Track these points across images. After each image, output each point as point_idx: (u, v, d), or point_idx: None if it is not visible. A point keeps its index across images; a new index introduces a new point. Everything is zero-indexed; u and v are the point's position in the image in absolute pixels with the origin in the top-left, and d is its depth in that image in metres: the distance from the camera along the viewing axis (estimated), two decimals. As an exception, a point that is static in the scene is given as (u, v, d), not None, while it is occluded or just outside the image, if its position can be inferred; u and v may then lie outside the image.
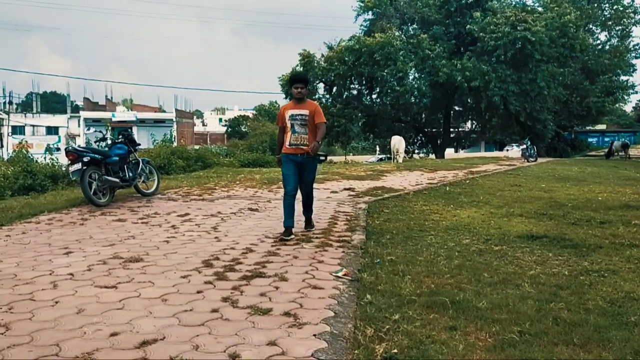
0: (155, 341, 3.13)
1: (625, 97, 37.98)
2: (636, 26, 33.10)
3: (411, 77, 30.86)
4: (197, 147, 28.48)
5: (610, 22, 33.49)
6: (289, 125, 6.18)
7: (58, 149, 20.89)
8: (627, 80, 35.27)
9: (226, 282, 4.35)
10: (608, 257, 5.38)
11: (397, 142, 22.40)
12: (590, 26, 33.37)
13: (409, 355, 3.01)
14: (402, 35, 31.49)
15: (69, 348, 3.04)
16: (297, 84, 6.20)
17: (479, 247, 5.80)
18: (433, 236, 6.36)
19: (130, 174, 9.23)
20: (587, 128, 48.01)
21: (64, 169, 12.37)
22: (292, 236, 5.98)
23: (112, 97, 62.33)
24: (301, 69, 29.32)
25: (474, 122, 39.48)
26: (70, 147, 8.91)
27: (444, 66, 28.03)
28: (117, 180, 8.79)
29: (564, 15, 28.22)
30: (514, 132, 33.19)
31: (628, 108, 64.85)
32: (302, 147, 6.13)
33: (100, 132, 10.17)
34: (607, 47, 34.28)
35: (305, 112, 6.14)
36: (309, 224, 6.55)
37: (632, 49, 33.82)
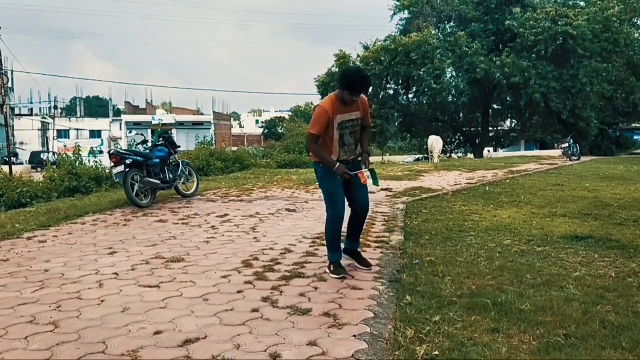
0: (197, 340, 3.18)
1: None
2: (684, 19, 31.82)
3: (448, 75, 30.49)
4: (234, 148, 28.83)
5: (656, 15, 32.27)
6: (336, 135, 4.52)
7: (101, 152, 21.51)
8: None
9: (265, 282, 4.39)
10: (657, 258, 5.18)
11: (434, 142, 22.16)
12: (635, 20, 32.21)
13: (450, 357, 2.97)
14: (439, 34, 31.13)
15: (115, 345, 3.12)
16: (356, 93, 4.43)
17: (520, 247, 5.68)
18: (473, 237, 6.26)
19: (171, 176, 9.41)
20: (633, 125, 46.35)
21: (107, 171, 12.73)
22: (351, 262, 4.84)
23: (151, 101, 63.83)
24: (337, 69, 29.33)
25: (513, 120, 38.68)
26: (113, 150, 9.15)
27: (482, 62, 27.55)
28: (158, 181, 8.98)
29: (607, 9, 27.34)
30: (555, 130, 32.31)
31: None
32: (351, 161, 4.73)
33: (142, 134, 10.41)
34: (654, 41, 33.03)
35: (357, 114, 4.58)
36: (362, 257, 4.88)
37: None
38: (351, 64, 29.96)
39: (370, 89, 31.26)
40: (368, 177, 4.66)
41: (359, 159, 4.75)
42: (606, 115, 33.42)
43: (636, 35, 30.71)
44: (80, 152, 14.04)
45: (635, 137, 49.01)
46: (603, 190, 10.56)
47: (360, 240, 5.88)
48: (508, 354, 3.02)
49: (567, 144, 23.04)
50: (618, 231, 6.47)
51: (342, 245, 4.82)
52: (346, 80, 4.35)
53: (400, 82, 31.22)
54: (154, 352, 3.03)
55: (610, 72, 28.72)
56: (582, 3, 30.69)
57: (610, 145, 37.18)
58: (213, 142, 27.58)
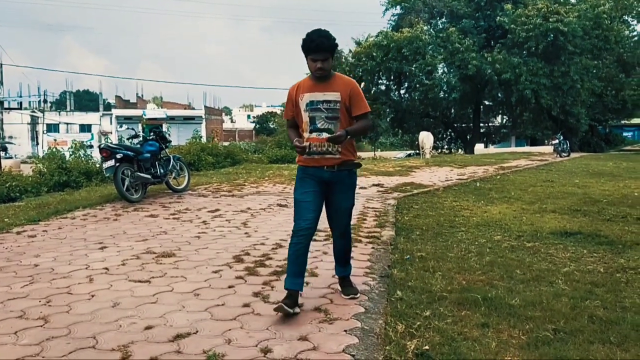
0: (188, 335, 3.18)
1: (663, 90, 36.79)
2: (674, 16, 31.98)
3: (440, 71, 30.52)
4: (226, 143, 28.74)
5: (646, 13, 32.43)
6: (305, 118, 3.69)
7: (91, 146, 21.37)
8: (664, 73, 34.17)
9: (257, 277, 4.39)
10: (645, 254, 5.24)
11: (425, 138, 22.20)
12: (626, 17, 32.38)
13: (440, 352, 2.99)
14: (431, 30, 31.14)
15: (105, 340, 3.11)
16: (315, 54, 3.56)
17: (510, 243, 5.72)
18: (463, 232, 6.29)
19: (162, 171, 9.38)
20: (623, 122, 46.65)
21: (97, 165, 12.66)
22: (297, 309, 3.55)
23: (142, 95, 63.43)
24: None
25: (504, 116, 38.84)
26: (103, 145, 9.10)
27: (474, 59, 27.62)
28: (149, 176, 8.94)
29: (598, 6, 27.46)
30: (546, 126, 32.51)
31: (665, 101, 62.89)
32: (331, 155, 3.68)
33: (133, 129, 10.36)
34: (644, 38, 33.25)
35: (334, 95, 3.63)
36: (349, 285, 3.96)
37: (670, 40, 32.73)
38: (343, 60, 29.94)
39: (362, 84, 31.39)
40: (319, 135, 3.65)
41: (343, 157, 3.69)
42: (596, 112, 33.63)
43: (626, 32, 30.88)
44: (79, 148, 13.95)
45: (625, 134, 49.43)
46: (592, 187, 10.65)
47: (352, 236, 5.90)
48: (498, 349, 3.04)
49: (557, 141, 23.20)
50: (607, 227, 6.53)
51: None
52: (302, 42, 3.61)
53: (392, 78, 31.22)
54: (144, 347, 3.02)
55: (600, 69, 28.90)
56: (573, 0, 30.81)
57: (599, 142, 37.46)
58: (211, 137, 27.49)
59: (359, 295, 3.85)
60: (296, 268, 3.61)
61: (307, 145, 3.64)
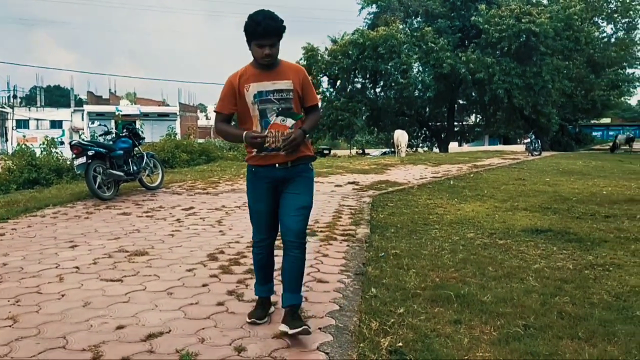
0: (161, 334, 3.15)
1: (632, 90, 37.75)
2: (643, 18, 32.82)
3: (415, 70, 30.78)
4: (201, 140, 28.48)
5: (616, 15, 33.18)
6: (254, 111, 3.16)
7: (62, 143, 20.93)
8: (632, 73, 35.07)
9: (231, 275, 4.37)
10: (613, 251, 5.37)
11: (400, 136, 22.35)
12: (596, 19, 33.10)
13: (414, 348, 3.02)
14: (406, 29, 31.38)
15: (76, 340, 3.06)
16: (261, 39, 3.05)
17: (483, 241, 5.80)
18: (437, 230, 6.36)
19: (135, 168, 9.26)
20: (592, 122, 47.74)
21: (68, 162, 12.41)
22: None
23: (115, 91, 62.44)
24: (305, 62, 29.24)
25: (478, 115, 39.35)
26: (75, 141, 8.94)
27: (448, 58, 27.94)
28: (121, 174, 8.82)
29: (569, 8, 28.02)
30: (518, 125, 33.04)
31: (633, 101, 64.63)
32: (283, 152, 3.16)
33: (105, 125, 10.20)
34: (613, 39, 34.03)
35: (286, 83, 3.16)
36: (298, 318, 3.13)
37: (639, 41, 33.57)
38: (319, 58, 29.93)
39: (338, 82, 31.48)
40: (283, 121, 3.16)
41: (298, 152, 3.20)
42: (566, 111, 34.32)
43: (596, 33, 31.55)
44: (51, 144, 13.63)
45: (594, 133, 50.55)
46: (563, 185, 10.87)
47: (327, 234, 5.90)
48: (469, 345, 3.09)
49: (529, 140, 23.63)
50: (576, 225, 6.67)
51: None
52: (246, 24, 3.09)
53: (368, 76, 31.35)
54: (116, 347, 2.98)
55: (571, 69, 29.48)
56: (545, 1, 31.35)
57: (570, 141, 38.23)
58: (187, 135, 27.19)
59: (311, 333, 3.03)
60: (263, 275, 3.44)
61: (267, 136, 3.11)
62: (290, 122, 3.16)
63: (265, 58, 3.09)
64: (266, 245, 3.40)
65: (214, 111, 3.34)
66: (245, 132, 3.13)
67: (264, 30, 3.02)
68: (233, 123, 3.37)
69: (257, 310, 3.40)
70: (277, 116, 3.15)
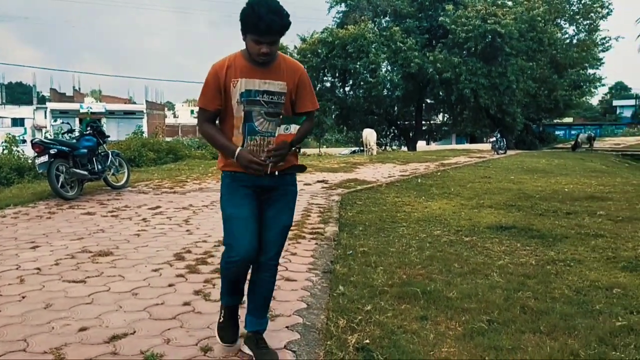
0: (125, 335, 3.09)
1: (593, 90, 38.76)
2: (603, 20, 33.69)
3: (384, 70, 31.00)
4: (169, 139, 28.10)
5: (578, 17, 34.04)
6: (238, 112, 2.73)
7: (24, 141, 20.35)
8: (594, 74, 36.01)
9: (198, 275, 4.32)
10: (574, 247, 5.52)
11: (369, 135, 22.48)
12: (559, 20, 33.89)
13: (380, 345, 3.04)
14: (375, 28, 31.56)
15: (37, 343, 2.99)
16: (261, 36, 2.58)
17: (449, 238, 5.89)
18: (405, 227, 6.42)
19: (99, 167, 9.08)
20: (555, 121, 48.87)
21: (30, 161, 12.08)
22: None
23: (79, 88, 61.00)
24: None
25: (445, 114, 39.85)
26: (37, 139, 8.71)
27: (416, 57, 28.24)
28: (85, 172, 8.63)
29: (533, 10, 28.64)
30: (484, 124, 33.60)
31: (594, 101, 66.46)
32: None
33: (68, 123, 9.97)
34: (575, 41, 34.89)
35: (280, 85, 2.75)
36: (264, 347, 2.85)
37: (599, 42, 34.50)
38: (288, 56, 29.83)
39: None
40: (287, 130, 2.74)
41: (286, 162, 2.81)
42: (530, 111, 35.03)
43: (559, 35, 32.29)
44: (12, 142, 13.26)
45: (557, 132, 51.73)
46: (527, 183, 11.11)
47: (296, 232, 5.88)
48: (435, 341, 3.13)
49: (495, 138, 24.05)
50: (539, 221, 6.82)
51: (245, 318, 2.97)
52: (245, 13, 2.57)
53: (337, 75, 31.43)
54: (78, 349, 2.92)
55: (535, 70, 30.11)
56: (509, 3, 31.94)
57: (534, 140, 39.06)
58: (155, 133, 26.76)
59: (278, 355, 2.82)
60: (237, 287, 2.91)
61: (267, 159, 2.67)
62: (294, 127, 2.73)
63: (261, 56, 2.64)
64: (245, 265, 2.76)
65: (198, 107, 2.83)
66: (239, 151, 2.66)
67: (266, 27, 2.54)
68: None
69: (227, 329, 2.94)
70: (279, 126, 2.72)
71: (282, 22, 2.58)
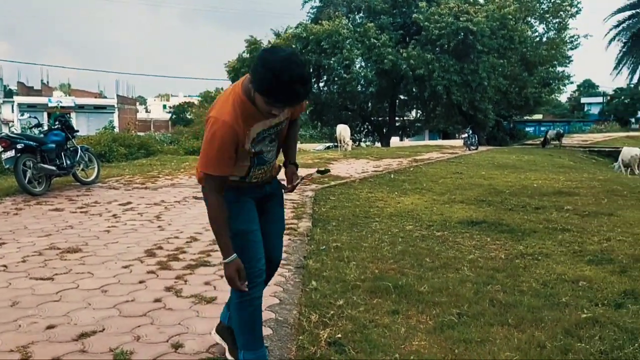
0: (94, 333, 3.05)
1: (561, 88, 39.51)
2: (572, 19, 34.32)
3: (358, 66, 31.05)
4: (141, 134, 27.71)
5: (547, 15, 34.61)
6: (245, 161, 2.50)
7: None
8: (562, 72, 36.70)
9: (170, 271, 4.28)
10: (542, 241, 5.63)
11: (342, 130, 22.55)
12: (529, 19, 34.41)
13: (352, 339, 3.07)
14: (349, 24, 31.61)
15: (3, 341, 2.93)
16: (284, 104, 2.27)
17: (421, 233, 5.95)
18: (378, 223, 6.46)
19: (68, 162, 8.91)
20: (525, 118, 49.74)
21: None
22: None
23: (48, 82, 59.65)
24: (247, 55, 28.94)
25: (418, 111, 40.16)
26: (3, 134, 8.51)
27: (390, 54, 28.38)
28: (53, 168, 8.46)
29: (504, 8, 29.04)
30: (456, 121, 34.01)
31: (563, 98, 67.78)
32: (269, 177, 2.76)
33: (35, 117, 9.75)
34: (545, 39, 35.47)
35: (286, 114, 2.54)
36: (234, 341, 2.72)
37: (568, 41, 35.16)
38: (262, 51, 29.65)
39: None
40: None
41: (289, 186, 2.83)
42: (501, 108, 35.52)
43: (529, 33, 32.81)
44: None
45: (527, 129, 52.68)
46: (497, 178, 11.29)
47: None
48: (407, 334, 3.16)
49: (467, 135, 24.37)
50: (509, 216, 6.95)
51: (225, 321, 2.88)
52: (263, 77, 2.15)
53: (311, 70, 31.35)
54: (46, 347, 2.87)
55: (505, 67, 30.54)
56: (481, 0, 32.33)
57: (505, 137, 39.64)
58: (127, 128, 26.30)
59: None
60: (260, 330, 2.61)
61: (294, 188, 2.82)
62: (274, 154, 2.71)
63: (270, 114, 2.36)
64: (263, 282, 2.61)
65: (208, 174, 2.38)
66: (234, 259, 2.37)
67: (288, 99, 2.21)
68: None
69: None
70: (268, 160, 2.61)
71: (306, 92, 2.22)
